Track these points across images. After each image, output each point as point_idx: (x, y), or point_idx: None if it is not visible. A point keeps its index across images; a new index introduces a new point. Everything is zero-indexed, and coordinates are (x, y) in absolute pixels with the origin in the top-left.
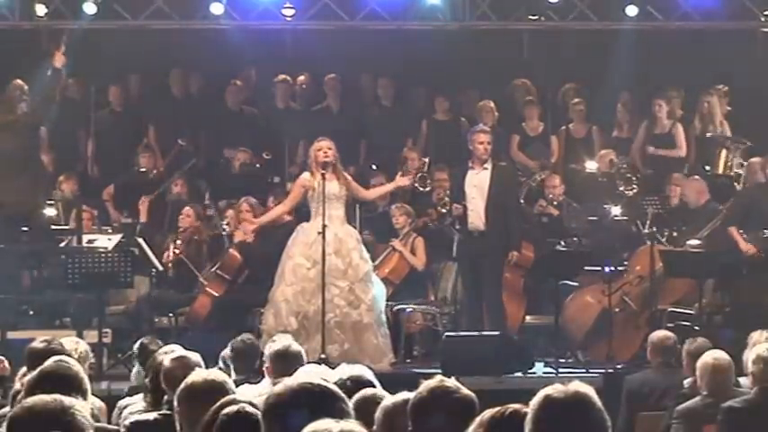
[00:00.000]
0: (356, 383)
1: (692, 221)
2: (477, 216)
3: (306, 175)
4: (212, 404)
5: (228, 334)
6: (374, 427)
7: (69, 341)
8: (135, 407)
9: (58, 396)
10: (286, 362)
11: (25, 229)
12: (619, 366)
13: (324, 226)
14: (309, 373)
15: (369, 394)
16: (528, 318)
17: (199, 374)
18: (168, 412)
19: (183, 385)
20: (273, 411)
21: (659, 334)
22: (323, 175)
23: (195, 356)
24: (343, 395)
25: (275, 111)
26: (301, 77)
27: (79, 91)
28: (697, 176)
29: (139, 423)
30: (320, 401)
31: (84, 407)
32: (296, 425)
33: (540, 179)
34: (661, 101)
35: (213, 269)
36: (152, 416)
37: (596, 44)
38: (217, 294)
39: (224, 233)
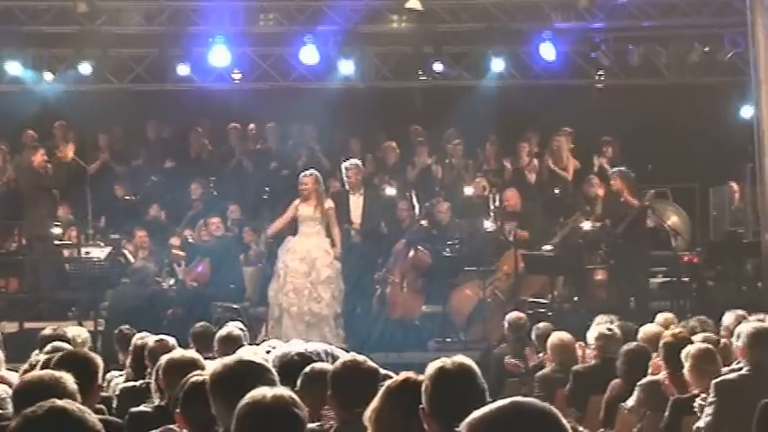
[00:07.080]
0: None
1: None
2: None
3: (297, 200)
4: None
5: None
6: (296, 387)
7: (74, 329)
8: (121, 378)
9: (50, 372)
10: (229, 344)
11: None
12: (493, 344)
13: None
14: (245, 353)
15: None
16: (423, 307)
17: (178, 352)
18: (163, 404)
19: (165, 360)
20: (217, 384)
21: (514, 315)
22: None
23: (172, 339)
24: (270, 367)
25: (230, 150)
26: (251, 125)
27: (76, 137)
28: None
29: (139, 414)
30: (253, 374)
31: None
32: (235, 394)
33: (433, 204)
34: (524, 143)
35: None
36: (150, 407)
37: (470, 97)
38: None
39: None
